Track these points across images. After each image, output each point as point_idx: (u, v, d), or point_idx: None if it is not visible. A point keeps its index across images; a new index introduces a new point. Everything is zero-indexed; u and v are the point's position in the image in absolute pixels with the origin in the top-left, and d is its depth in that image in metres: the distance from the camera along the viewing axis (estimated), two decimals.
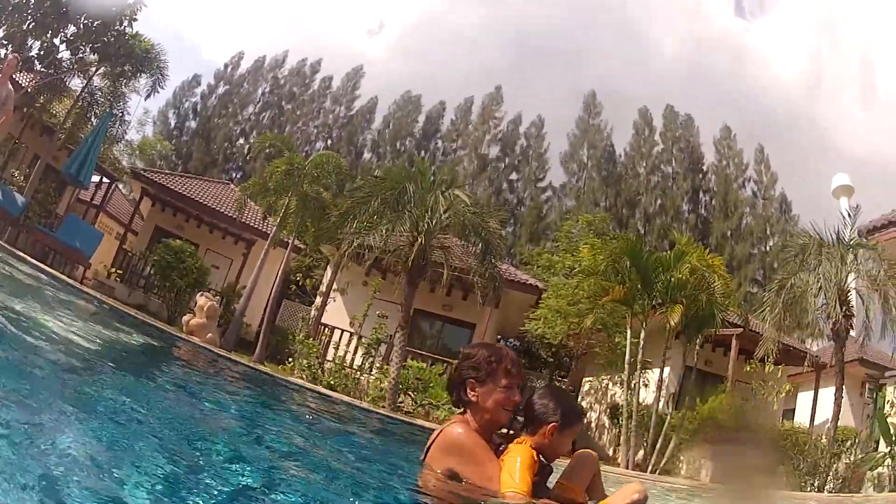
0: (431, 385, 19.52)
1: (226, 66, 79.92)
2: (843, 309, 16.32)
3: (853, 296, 16.92)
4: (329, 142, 78.74)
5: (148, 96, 27.26)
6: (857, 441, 18.38)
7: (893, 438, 14.38)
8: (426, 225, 17.73)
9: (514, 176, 79.90)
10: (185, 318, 18.82)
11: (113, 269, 26.09)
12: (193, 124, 77.36)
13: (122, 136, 29.37)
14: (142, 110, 51.57)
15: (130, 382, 5.61)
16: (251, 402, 8.98)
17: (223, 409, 6.71)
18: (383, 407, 16.97)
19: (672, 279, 19.34)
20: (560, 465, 3.96)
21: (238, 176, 70.70)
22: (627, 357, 20.09)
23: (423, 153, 77.86)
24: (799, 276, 17.46)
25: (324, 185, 25.11)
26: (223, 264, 31.15)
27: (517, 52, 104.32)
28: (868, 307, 16.51)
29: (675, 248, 20.74)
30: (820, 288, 16.74)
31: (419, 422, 15.07)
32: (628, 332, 20.24)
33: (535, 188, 78.87)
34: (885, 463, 14.78)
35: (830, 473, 16.23)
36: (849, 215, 18.03)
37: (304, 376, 18.90)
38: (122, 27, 23.01)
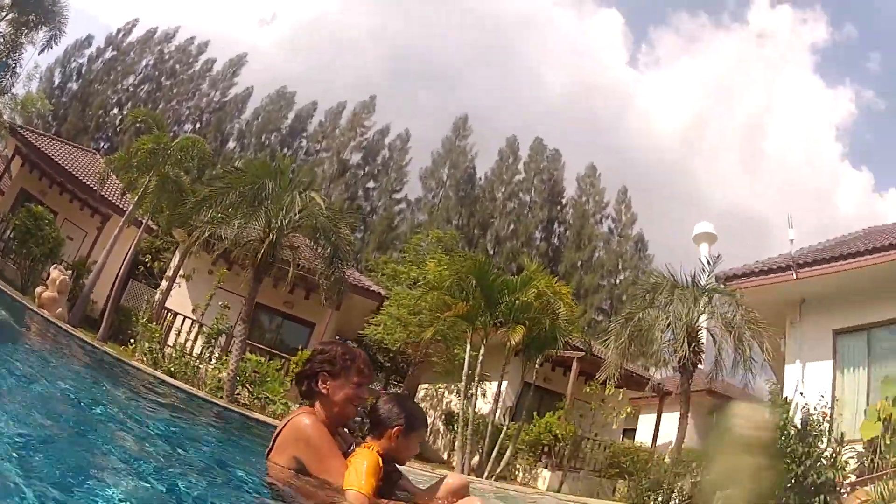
0: (268, 379, 19.40)
1: (118, 31, 77.55)
2: (692, 346, 17.41)
3: (703, 334, 18.13)
4: (198, 125, 77.66)
5: (43, 50, 26.62)
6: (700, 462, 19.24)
7: None
8: (279, 223, 17.46)
9: (371, 184, 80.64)
10: (38, 290, 18.33)
11: None
12: (74, 86, 74.55)
13: (10, 88, 28.99)
14: (32, 64, 49.78)
15: None
16: (92, 385, 8.38)
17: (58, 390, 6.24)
18: (221, 398, 16.54)
19: (517, 301, 20.01)
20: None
21: (106, 146, 68.69)
22: (466, 369, 20.64)
23: (286, 150, 77.43)
24: (648, 311, 18.46)
25: (185, 168, 24.63)
26: (77, 236, 29.94)
27: (399, 65, 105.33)
28: (720, 347, 17.78)
29: (523, 274, 21.32)
30: (668, 324, 17.76)
31: (255, 414, 14.98)
32: (468, 346, 20.79)
33: (390, 199, 79.75)
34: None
35: (675, 490, 16.92)
36: (708, 262, 19.50)
37: (144, 360, 18.31)
38: None
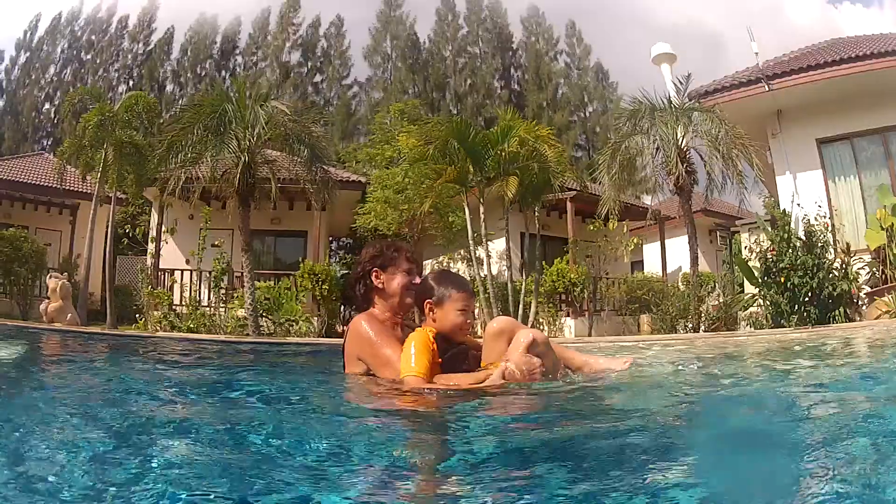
0: (283, 301, 19.36)
1: (25, 32, 75.75)
2: (684, 166, 17.46)
3: (692, 154, 18.12)
4: (131, 83, 75.79)
5: None
6: (715, 285, 20.19)
7: (759, 280, 15.80)
8: (248, 142, 17.20)
9: (318, 78, 79.68)
10: (42, 306, 17.76)
11: None
12: (1, 103, 73.25)
13: None
14: None
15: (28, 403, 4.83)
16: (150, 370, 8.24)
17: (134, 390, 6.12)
18: (247, 335, 16.66)
19: (503, 153, 19.84)
20: None
21: (49, 143, 67.91)
22: (470, 233, 20.75)
23: (223, 73, 76.53)
24: (633, 139, 18.43)
25: (135, 127, 23.96)
26: (53, 239, 28.99)
27: None
28: (710, 164, 17.59)
29: (501, 124, 21.07)
30: (658, 149, 17.89)
31: (291, 340, 15.13)
32: (466, 209, 20.82)
33: (340, 86, 78.91)
34: (756, 303, 16.33)
35: (702, 315, 17.26)
36: (679, 82, 19.33)
37: (160, 327, 18.41)
38: None
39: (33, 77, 73.94)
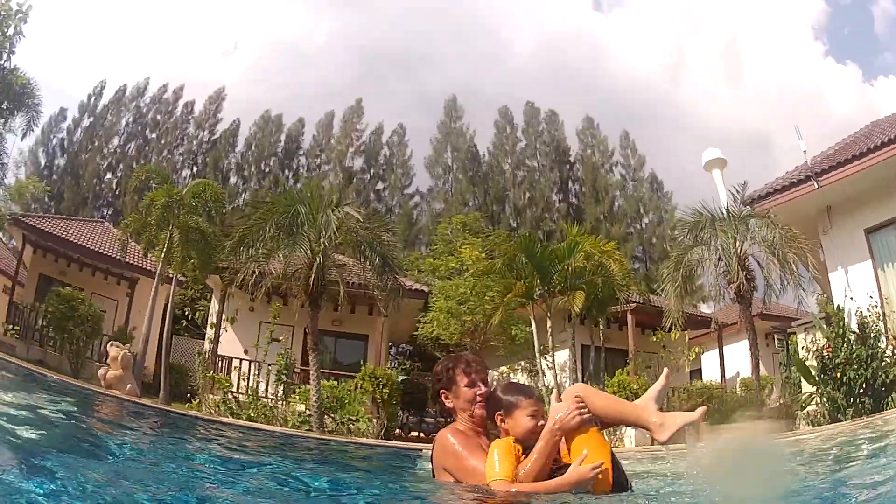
0: (346, 402, 19.64)
1: (89, 96, 75.64)
2: (744, 273, 17.96)
3: (751, 261, 18.61)
4: (195, 168, 76.60)
5: (24, 135, 25.42)
6: (772, 387, 20.40)
7: (816, 378, 15.71)
8: (322, 244, 17.66)
9: (380, 185, 79.65)
10: (101, 371, 17.67)
11: (10, 327, 24.09)
12: (62, 161, 73.60)
13: (2, 180, 28.38)
14: (16, 151, 49.17)
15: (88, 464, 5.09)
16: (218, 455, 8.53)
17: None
18: (309, 430, 16.92)
19: (569, 268, 20.47)
20: None
21: (109, 213, 68.36)
22: (536, 345, 21.18)
23: (286, 171, 77.52)
24: (694, 250, 19.12)
25: (199, 213, 24.59)
26: (109, 307, 28.97)
27: (367, 63, 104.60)
28: (768, 269, 18.15)
29: (568, 240, 21.77)
30: (720, 258, 18.38)
31: (358, 439, 15.34)
32: (532, 322, 21.20)
33: (402, 195, 78.71)
34: (813, 401, 16.21)
35: (763, 416, 17.28)
36: (736, 190, 20.10)
37: (218, 412, 18.67)
38: (1, 61, 21.74)
39: (96, 144, 74.62)
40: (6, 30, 21.05)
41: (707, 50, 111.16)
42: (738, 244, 18.28)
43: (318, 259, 17.71)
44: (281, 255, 18.11)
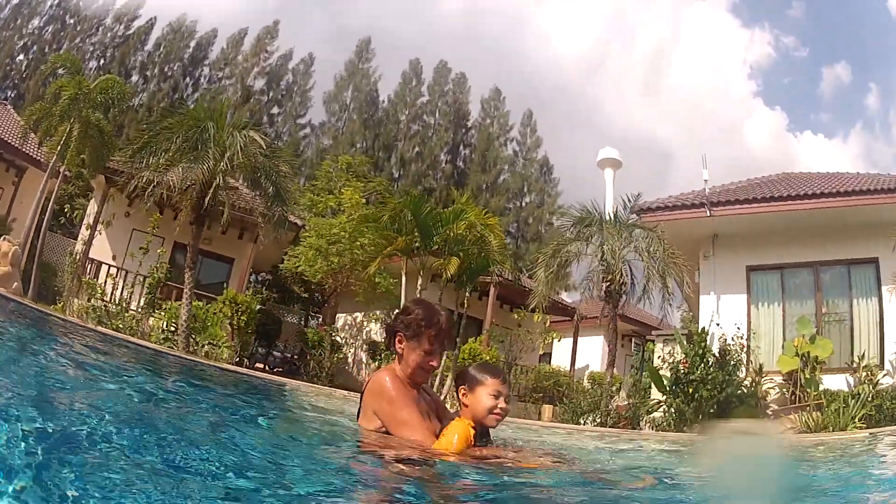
0: (210, 325, 19.52)
1: None
2: (619, 277, 18.52)
3: (626, 266, 19.11)
4: (101, 61, 73.93)
5: None
6: (620, 386, 21.19)
7: (667, 388, 16.39)
8: (224, 165, 17.43)
9: (275, 110, 79.08)
10: None
11: None
12: None
13: None
14: None
15: None
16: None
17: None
18: (171, 348, 16.73)
19: (451, 233, 20.70)
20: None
21: (13, 95, 65.39)
22: (404, 298, 20.99)
23: (187, 79, 76.20)
24: (574, 243, 19.84)
25: (104, 110, 24.12)
26: None
27: None
28: (645, 278, 18.80)
29: (455, 206, 21.93)
30: (602, 257, 18.90)
31: (227, 366, 15.16)
32: (403, 277, 21.39)
33: (294, 124, 78.62)
34: (660, 408, 16.93)
35: (610, 412, 18.05)
36: (628, 199, 20.56)
37: (85, 318, 18.08)
38: None
39: (18, 22, 71.83)
40: None
41: (632, 53, 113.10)
42: (620, 248, 18.76)
43: (217, 179, 17.53)
44: (181, 169, 17.64)
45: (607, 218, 19.81)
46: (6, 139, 28.60)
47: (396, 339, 4.17)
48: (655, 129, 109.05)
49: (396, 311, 4.42)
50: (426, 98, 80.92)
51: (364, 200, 28.03)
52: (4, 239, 17.96)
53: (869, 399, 14.67)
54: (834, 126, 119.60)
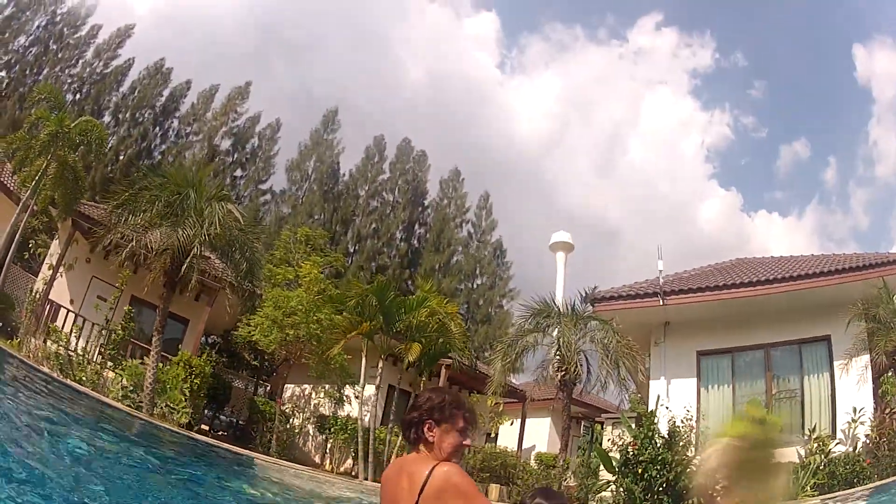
0: (169, 388, 19.66)
1: None
2: (574, 366, 19.41)
3: (582, 357, 20.02)
4: (77, 95, 72.72)
5: None
6: (568, 466, 21.33)
7: (616, 468, 16.92)
8: (204, 235, 17.90)
9: (239, 172, 78.63)
10: None
11: None
12: None
13: None
14: None
15: None
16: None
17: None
18: (130, 407, 17.17)
19: (413, 320, 21.85)
20: None
21: None
22: (363, 377, 22.73)
23: (157, 129, 75.67)
24: (532, 335, 20.74)
25: (81, 152, 24.78)
26: None
27: (265, 38, 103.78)
28: (600, 368, 19.60)
29: (418, 294, 23.27)
30: (557, 348, 19.71)
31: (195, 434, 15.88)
32: (363, 358, 22.46)
33: (256, 189, 78.14)
34: (609, 489, 17.54)
35: (564, 490, 18.53)
36: (586, 294, 21.74)
37: (53, 366, 18.34)
38: None
39: (5, 35, 70.41)
40: None
41: (589, 136, 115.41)
42: (574, 338, 19.53)
43: (195, 248, 17.91)
44: (159, 233, 18.04)
45: (563, 310, 20.59)
46: None
47: (426, 428, 4.00)
48: (608, 208, 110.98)
49: (412, 402, 4.20)
50: (387, 175, 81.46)
51: (322, 275, 28.42)
52: None
53: (821, 467, 15.51)
54: (789, 203, 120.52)
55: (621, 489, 16.61)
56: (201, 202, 18.44)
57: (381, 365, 22.17)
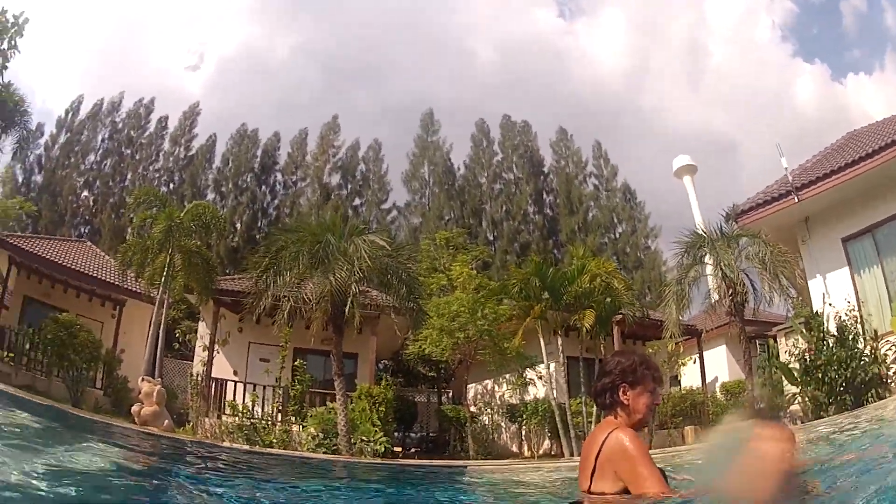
0: (359, 423, 20.06)
1: (66, 112, 75.24)
2: (741, 286, 19.09)
3: (745, 276, 19.49)
4: (171, 185, 75.89)
5: (15, 155, 24.90)
6: (750, 388, 20.58)
7: (798, 379, 16.69)
8: (356, 273, 18.21)
9: (357, 201, 79.66)
10: (135, 408, 17.56)
11: (3, 354, 22.80)
12: (40, 178, 72.65)
13: None
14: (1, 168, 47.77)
15: None
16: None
17: None
18: (327, 453, 17.67)
19: (579, 289, 22.08)
20: None
21: (87, 230, 68.15)
22: (545, 359, 23.16)
23: (263, 188, 77.76)
24: (693, 268, 20.47)
25: (201, 237, 25.27)
26: (94, 329, 27.10)
27: (331, 75, 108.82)
28: (761, 283, 19.17)
29: (576, 262, 23.33)
30: (721, 274, 19.35)
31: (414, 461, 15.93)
32: (541, 339, 22.79)
33: (379, 210, 78.70)
34: (796, 401, 16.98)
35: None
36: (726, 213, 21.69)
37: (237, 437, 18.97)
38: None
39: (73, 160, 73.73)
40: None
41: (669, 54, 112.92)
42: (734, 261, 19.26)
43: (352, 288, 18.23)
44: (313, 284, 18.47)
45: (714, 235, 20.35)
46: (98, 276, 29.48)
47: (620, 392, 4.15)
48: (713, 122, 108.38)
49: (601, 368, 4.34)
50: (500, 156, 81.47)
51: (475, 272, 28.69)
52: (144, 380, 18.38)
53: None
54: (871, 58, 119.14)
55: (806, 399, 16.39)
56: (343, 243, 18.75)
57: (559, 341, 22.34)
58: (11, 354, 22.83)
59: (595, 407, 21.76)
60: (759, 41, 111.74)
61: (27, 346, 23.55)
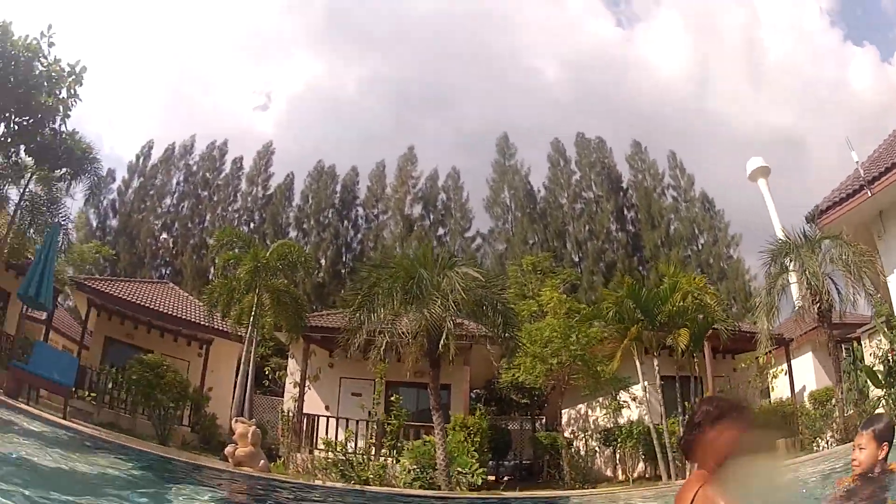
0: (456, 455, 20.00)
1: (137, 157, 77.69)
2: (826, 292, 18.95)
3: (830, 282, 19.33)
4: (252, 224, 77.58)
5: (87, 201, 24.87)
6: (841, 396, 19.99)
7: (882, 381, 16.33)
8: (451, 307, 18.19)
9: (441, 231, 79.62)
10: (228, 449, 17.28)
11: (86, 393, 23.38)
12: (114, 222, 74.33)
13: (67, 246, 26.67)
14: (76, 214, 48.73)
15: None
16: None
17: None
18: (422, 486, 17.85)
19: (673, 308, 22.05)
20: None
21: (167, 272, 70.13)
22: (641, 380, 23.07)
23: (345, 223, 78.60)
24: (782, 276, 20.32)
25: (287, 276, 25.68)
26: (180, 367, 27.68)
27: (400, 107, 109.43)
28: (847, 286, 18.94)
29: (669, 281, 23.24)
30: (806, 281, 19.26)
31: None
32: (637, 361, 22.87)
33: (463, 239, 78.71)
34: (881, 404, 16.62)
35: (842, 428, 17.90)
36: (808, 216, 20.58)
37: (322, 475, 19.15)
38: (57, 125, 20.23)
39: (149, 204, 75.41)
40: (59, 93, 19.73)
41: (727, 54, 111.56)
42: (818, 267, 19.13)
43: (447, 322, 18.28)
44: (408, 319, 18.59)
45: (798, 241, 20.29)
46: (182, 316, 30.33)
47: (697, 446, 3.72)
48: (777, 118, 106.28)
49: (689, 419, 3.96)
50: (578, 175, 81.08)
51: (564, 296, 28.91)
52: (238, 421, 18.24)
53: None
54: None
55: (891, 401, 15.92)
56: (436, 277, 18.84)
57: (655, 362, 22.52)
58: (94, 394, 23.64)
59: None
60: (810, 30, 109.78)
61: (109, 385, 24.44)
